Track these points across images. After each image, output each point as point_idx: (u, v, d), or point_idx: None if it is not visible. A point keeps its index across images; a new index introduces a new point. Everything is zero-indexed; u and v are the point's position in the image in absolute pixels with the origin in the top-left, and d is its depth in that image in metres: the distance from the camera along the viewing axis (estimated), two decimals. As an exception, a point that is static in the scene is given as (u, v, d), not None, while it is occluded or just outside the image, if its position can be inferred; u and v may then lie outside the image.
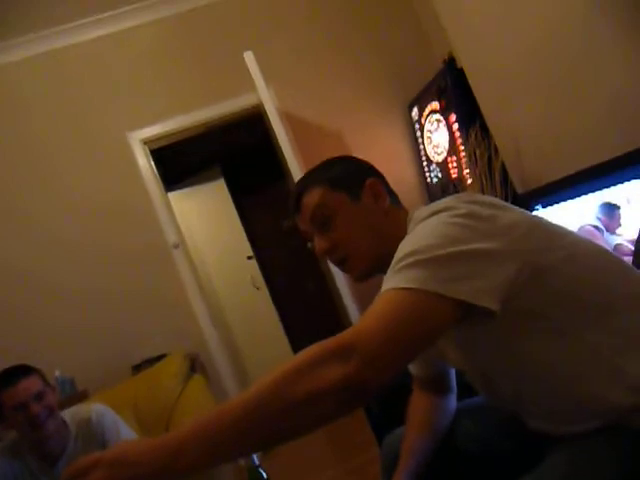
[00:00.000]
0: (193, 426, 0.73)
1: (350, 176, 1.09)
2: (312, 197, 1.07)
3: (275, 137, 3.03)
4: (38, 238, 3.40)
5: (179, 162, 4.45)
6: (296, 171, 2.87)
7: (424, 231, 0.87)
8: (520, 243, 0.85)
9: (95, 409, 1.94)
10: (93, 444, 1.87)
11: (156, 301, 3.43)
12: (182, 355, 2.73)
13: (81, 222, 3.44)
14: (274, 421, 0.72)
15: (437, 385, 1.22)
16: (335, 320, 5.06)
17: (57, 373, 2.95)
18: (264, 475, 1.41)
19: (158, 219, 3.48)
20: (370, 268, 1.05)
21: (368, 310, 0.79)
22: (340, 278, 3.10)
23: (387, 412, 1.98)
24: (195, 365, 2.77)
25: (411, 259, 0.82)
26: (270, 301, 4.59)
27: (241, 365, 4.17)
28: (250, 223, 5.02)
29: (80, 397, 2.81)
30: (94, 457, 0.72)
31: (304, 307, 5.34)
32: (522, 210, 0.93)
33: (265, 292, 4.56)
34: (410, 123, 3.65)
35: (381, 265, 1.00)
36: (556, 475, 0.81)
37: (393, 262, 0.86)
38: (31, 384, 1.78)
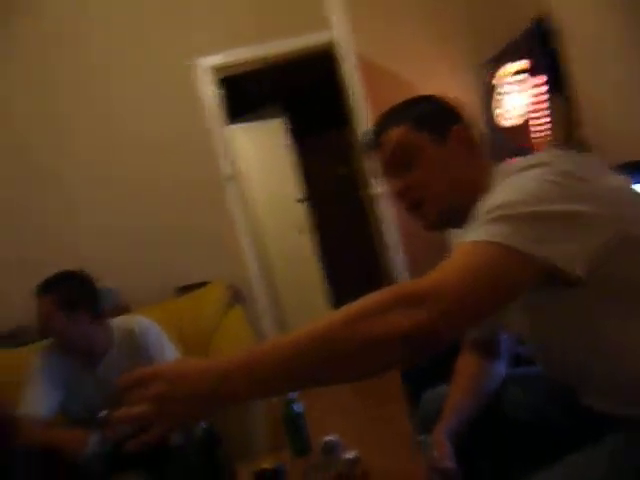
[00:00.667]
0: (245, 356, 0.73)
1: (436, 117, 1.04)
2: (393, 135, 1.02)
3: (345, 80, 2.94)
4: (90, 163, 3.48)
5: (241, 95, 4.40)
6: (362, 117, 2.79)
7: (515, 186, 0.82)
8: (614, 209, 0.79)
9: (139, 322, 2.00)
10: (135, 356, 1.94)
11: (204, 230, 3.49)
12: (224, 285, 2.78)
13: (137, 149, 3.49)
14: (331, 362, 0.70)
15: (488, 348, 1.19)
16: (377, 275, 5.06)
17: (105, 284, 3.05)
18: (299, 410, 1.44)
19: (215, 150, 3.48)
20: (445, 216, 1.01)
21: (446, 261, 0.76)
22: (391, 231, 3.05)
23: (423, 368, 1.98)
24: (236, 296, 2.81)
25: (498, 213, 0.77)
26: (314, 247, 4.58)
27: (278, 305, 4.23)
28: (305, 166, 4.97)
29: (122, 310, 2.91)
30: (153, 370, 0.74)
31: (348, 257, 5.33)
32: (620, 176, 0.86)
33: (310, 237, 4.55)
34: (480, 84, 3.48)
35: (456, 216, 0.96)
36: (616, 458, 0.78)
37: (478, 214, 0.81)
38: None
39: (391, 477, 1.24)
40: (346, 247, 5.37)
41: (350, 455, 1.33)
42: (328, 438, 1.38)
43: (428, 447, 1.02)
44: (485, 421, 1.13)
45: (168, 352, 1.98)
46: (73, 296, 1.83)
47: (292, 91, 5.02)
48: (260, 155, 4.55)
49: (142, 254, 3.44)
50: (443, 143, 1.01)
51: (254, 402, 1.96)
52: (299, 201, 4.52)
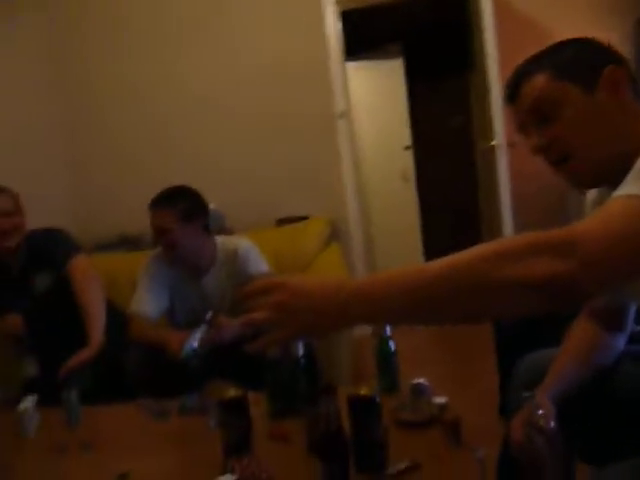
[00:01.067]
0: (370, 281, 0.73)
1: (584, 62, 0.93)
2: (533, 85, 0.94)
3: (475, 21, 2.74)
4: (205, 95, 3.56)
5: (361, 32, 4.27)
6: (491, 63, 2.61)
7: None
8: None
9: (242, 244, 2.08)
10: (235, 275, 2.03)
11: (309, 166, 3.51)
12: (325, 220, 2.80)
13: (251, 79, 3.52)
14: (461, 297, 0.68)
15: (610, 319, 1.11)
16: (478, 235, 4.90)
17: (212, 206, 3.20)
18: (393, 348, 1.45)
19: (330, 86, 3.44)
20: (597, 171, 0.92)
21: (594, 214, 0.70)
22: (504, 190, 2.90)
23: (517, 331, 1.91)
24: (335, 233, 2.84)
25: None
26: (415, 197, 4.48)
27: (371, 249, 4.24)
28: (417, 111, 4.79)
29: (226, 233, 3.05)
30: (279, 280, 0.75)
31: (449, 213, 5.18)
32: None
33: (413, 186, 4.44)
34: (635, 43, 3.11)
35: (610, 172, 0.87)
36: None
37: (634, 167, 0.73)
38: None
39: (478, 430, 1.23)
40: (449, 202, 5.20)
41: (440, 400, 1.33)
42: (418, 380, 1.38)
43: (533, 404, 0.99)
44: (593, 394, 1.07)
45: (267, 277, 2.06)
46: (189, 209, 1.93)
47: (414, 31, 4.78)
48: (373, 96, 4.44)
49: (247, 184, 3.55)
50: (591, 90, 0.91)
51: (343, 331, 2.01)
52: (406, 148, 4.40)
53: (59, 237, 2.11)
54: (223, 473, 1.08)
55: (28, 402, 1.49)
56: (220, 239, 2.09)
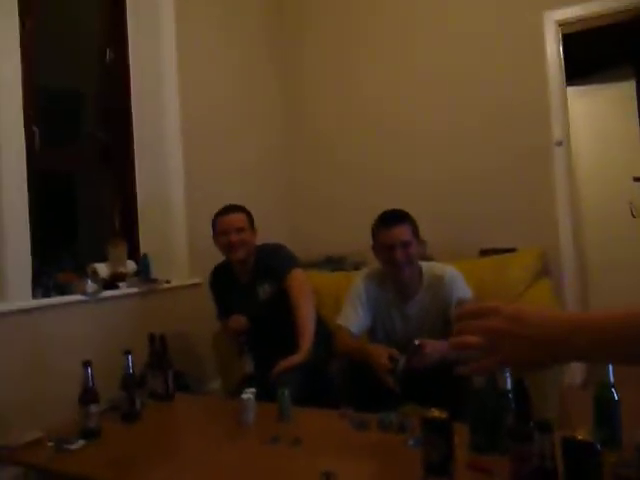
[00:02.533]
0: (593, 315, 0.68)
1: None
2: None
3: None
4: (412, 119, 3.64)
5: (583, 55, 3.97)
6: None
7: None
8: None
9: (449, 271, 2.08)
10: (439, 301, 2.04)
11: (521, 196, 3.35)
12: (537, 252, 2.64)
13: (470, 108, 3.51)
14: None
15: None
16: None
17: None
18: (616, 396, 1.30)
19: (548, 112, 3.26)
20: None
21: None
22: None
23: None
24: (546, 267, 2.65)
25: None
26: (644, 236, 3.95)
27: (586, 287, 3.85)
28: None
29: (427, 260, 3.07)
30: (495, 305, 0.73)
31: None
32: None
33: (641, 223, 3.92)
34: None
35: None
36: None
37: None
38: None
39: None
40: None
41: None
42: (645, 439, 1.21)
43: None
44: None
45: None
46: (416, 228, 2.03)
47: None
48: (596, 122, 4.08)
49: (453, 210, 3.52)
50: None
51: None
52: (637, 180, 3.92)
53: (283, 252, 2.37)
54: (423, 492, 1.09)
55: (249, 394, 1.68)
56: (426, 264, 2.13)
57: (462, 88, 3.53)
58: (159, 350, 1.98)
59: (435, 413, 1.18)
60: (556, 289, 2.87)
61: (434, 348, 1.81)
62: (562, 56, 3.27)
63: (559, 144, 3.19)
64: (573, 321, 0.68)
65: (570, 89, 3.79)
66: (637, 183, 3.85)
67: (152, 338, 2.00)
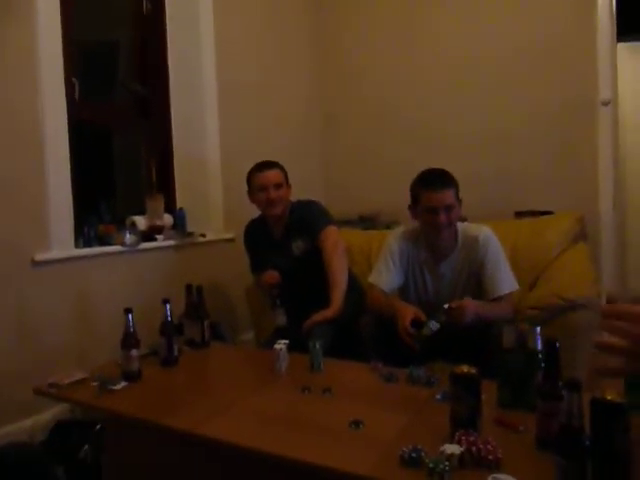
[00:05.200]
0: None
1: None
2: None
3: None
4: (446, 76, 3.53)
5: (637, 7, 3.74)
6: None
7: None
8: None
9: (484, 232, 2.06)
10: (472, 261, 2.04)
11: (562, 157, 3.27)
12: (575, 217, 2.58)
13: (506, 61, 3.38)
14: None
15: None
16: None
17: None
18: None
19: (596, 69, 3.13)
20: None
21: None
22: None
23: None
24: (583, 232, 2.60)
25: None
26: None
27: (624, 251, 3.77)
28: None
29: (461, 220, 3.03)
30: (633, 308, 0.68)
31: None
32: None
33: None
34: None
35: None
36: None
37: None
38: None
39: None
40: None
41: None
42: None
43: None
44: None
45: (502, 269, 2.01)
46: (458, 190, 2.02)
47: None
48: (646, 82, 3.88)
49: (488, 168, 3.46)
50: None
51: None
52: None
53: (317, 209, 2.38)
54: (449, 442, 1.12)
55: (282, 344, 1.74)
56: (462, 225, 2.11)
57: (505, 39, 3.40)
58: (196, 300, 2.04)
59: (464, 368, 1.20)
60: (593, 255, 2.83)
61: (473, 308, 1.82)
62: (614, 8, 3.09)
63: (606, 104, 3.07)
64: None
65: (621, 45, 3.61)
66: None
67: (189, 288, 2.06)
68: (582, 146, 3.19)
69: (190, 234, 2.95)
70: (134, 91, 3.05)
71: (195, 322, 2.03)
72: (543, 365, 1.17)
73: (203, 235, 3.01)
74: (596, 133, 3.14)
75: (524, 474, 1.05)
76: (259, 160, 2.44)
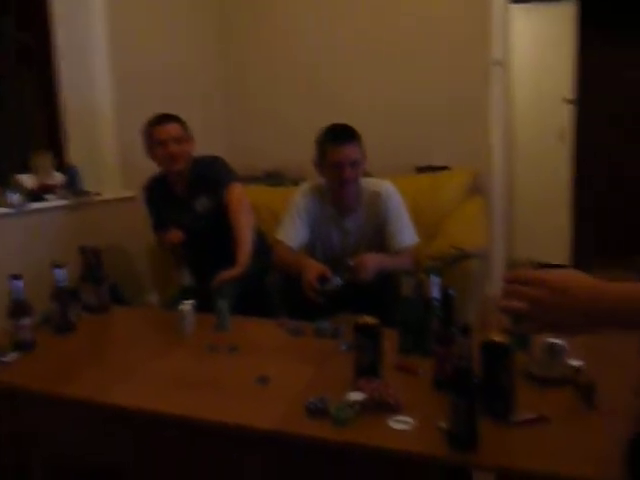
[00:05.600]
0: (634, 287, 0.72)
1: None
2: None
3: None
4: (349, 36, 3.53)
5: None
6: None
7: None
8: None
9: (386, 187, 2.12)
10: (375, 217, 2.09)
11: (457, 114, 3.39)
12: (470, 172, 2.72)
13: (403, 19, 3.42)
14: None
15: None
16: (635, 201, 4.40)
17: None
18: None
19: (490, 30, 3.24)
20: None
21: None
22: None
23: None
24: (477, 186, 2.75)
25: None
26: (570, 158, 4.11)
27: (512, 206, 4.06)
28: (586, 62, 4.32)
29: (365, 175, 3.10)
30: (541, 276, 0.77)
31: (605, 175, 4.69)
32: None
33: (569, 146, 4.08)
34: None
35: None
36: None
37: None
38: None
39: (612, 404, 1.17)
40: (608, 163, 4.69)
41: (575, 363, 1.29)
42: (553, 340, 1.34)
43: None
44: None
45: (403, 222, 2.08)
46: (363, 146, 2.03)
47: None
48: (537, 42, 4.09)
49: (390, 126, 3.53)
50: None
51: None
52: (568, 102, 4.02)
53: (221, 165, 2.31)
54: (353, 390, 1.16)
55: (187, 305, 1.70)
56: (364, 180, 2.14)
57: (398, 3, 3.42)
58: (92, 263, 1.93)
59: (366, 319, 1.25)
60: (485, 208, 3.01)
61: (374, 263, 1.88)
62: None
63: (498, 64, 3.21)
64: (619, 295, 0.73)
65: (514, 6, 3.76)
66: (567, 107, 3.97)
67: (84, 251, 1.94)
68: (476, 104, 3.33)
69: (84, 193, 2.77)
70: (17, 39, 2.74)
71: (92, 286, 1.93)
72: (439, 312, 1.25)
73: (98, 194, 2.83)
74: (489, 93, 3.29)
75: (422, 414, 1.12)
76: (157, 113, 2.30)
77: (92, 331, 1.82)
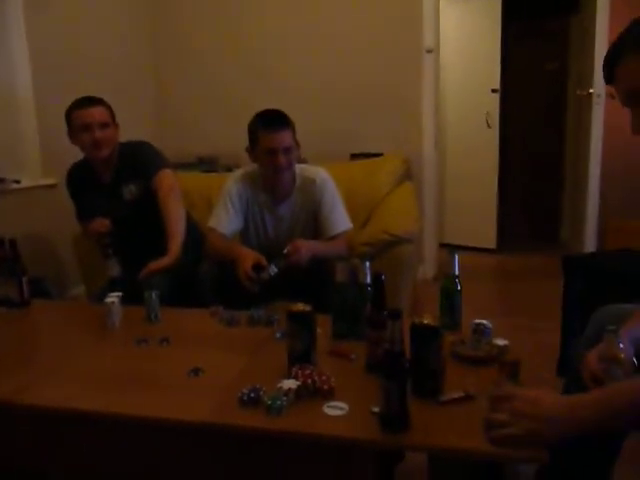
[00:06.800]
0: (596, 394, 0.91)
1: None
2: (627, 69, 0.89)
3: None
4: (283, 21, 3.50)
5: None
6: (601, 5, 2.41)
7: None
8: None
9: (321, 174, 2.12)
10: (310, 204, 2.09)
11: (388, 101, 3.45)
12: (402, 158, 2.77)
13: (340, 7, 3.42)
14: None
15: None
16: (557, 184, 4.66)
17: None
18: (459, 286, 1.46)
19: (421, 19, 3.30)
20: None
21: None
22: (596, 143, 2.78)
23: (591, 286, 1.86)
24: (409, 172, 2.81)
25: None
26: (496, 145, 4.29)
27: (443, 191, 4.18)
28: (509, 54, 4.51)
29: (300, 162, 3.08)
30: (516, 392, 0.98)
31: (530, 159, 4.93)
32: None
33: (495, 131, 4.24)
34: None
35: None
36: None
37: None
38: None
39: (535, 380, 1.23)
40: (532, 148, 4.94)
41: (501, 342, 1.35)
42: (480, 321, 1.39)
43: (615, 337, 1.01)
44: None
45: (337, 209, 2.09)
46: (295, 132, 2.01)
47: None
48: (465, 33, 4.21)
49: (324, 116, 3.53)
50: None
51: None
52: (493, 91, 4.18)
53: (150, 151, 2.22)
54: (287, 378, 1.16)
55: (114, 297, 1.63)
56: (299, 167, 2.13)
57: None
58: (9, 255, 1.81)
59: (299, 306, 1.24)
60: (417, 193, 3.08)
61: (308, 248, 1.88)
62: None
63: (429, 51, 3.27)
64: (587, 405, 0.88)
65: (443, -2, 3.84)
66: (493, 95, 4.12)
67: (-1, 242, 1.82)
68: (408, 92, 3.39)
69: (1, 180, 2.59)
70: None
71: (10, 279, 1.81)
72: (371, 297, 1.26)
73: (17, 181, 2.66)
74: (421, 79, 3.36)
75: (355, 398, 1.13)
76: (81, 96, 2.17)
77: (10, 328, 1.71)
